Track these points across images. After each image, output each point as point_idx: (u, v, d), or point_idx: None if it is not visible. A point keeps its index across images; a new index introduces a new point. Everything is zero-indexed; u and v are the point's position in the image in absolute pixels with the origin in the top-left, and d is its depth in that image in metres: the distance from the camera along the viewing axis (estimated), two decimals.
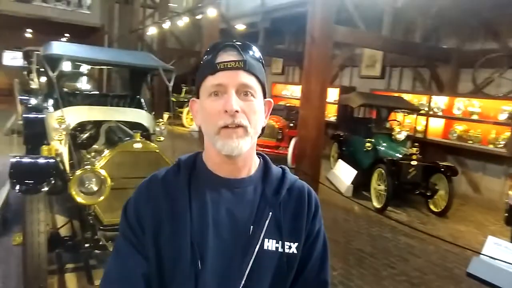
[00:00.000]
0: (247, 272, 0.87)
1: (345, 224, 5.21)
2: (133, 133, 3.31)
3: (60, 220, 3.91)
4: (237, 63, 0.86)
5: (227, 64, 0.86)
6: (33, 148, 4.47)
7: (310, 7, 5.46)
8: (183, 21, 11.80)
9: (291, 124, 8.23)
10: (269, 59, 14.34)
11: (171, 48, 13.69)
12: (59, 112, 3.44)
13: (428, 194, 5.91)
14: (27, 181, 2.57)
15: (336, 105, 9.23)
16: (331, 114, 9.68)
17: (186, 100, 13.82)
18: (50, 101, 4.32)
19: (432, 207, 5.93)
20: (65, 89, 5.03)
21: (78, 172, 2.76)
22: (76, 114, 3.71)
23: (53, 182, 2.70)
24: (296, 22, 9.79)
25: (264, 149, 8.48)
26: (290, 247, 0.92)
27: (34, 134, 4.50)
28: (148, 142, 3.24)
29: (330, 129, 9.03)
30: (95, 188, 2.80)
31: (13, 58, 15.67)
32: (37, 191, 2.62)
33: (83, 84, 8.24)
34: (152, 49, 14.26)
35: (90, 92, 5.71)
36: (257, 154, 0.99)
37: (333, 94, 9.60)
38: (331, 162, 8.11)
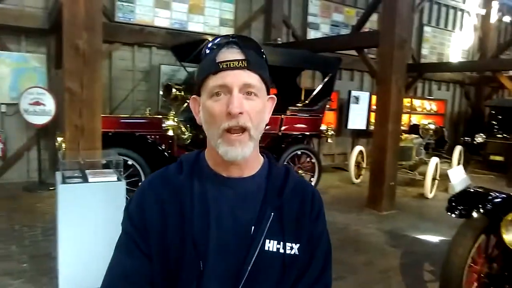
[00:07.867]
0: (247, 272, 0.85)
1: None
2: None
3: None
4: (240, 62, 0.83)
5: (229, 64, 0.82)
6: None
7: None
8: None
9: None
10: None
11: None
12: None
13: None
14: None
15: None
16: None
17: None
18: None
19: None
20: None
21: None
22: None
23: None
24: None
25: None
26: (291, 248, 0.88)
27: None
28: None
29: None
30: None
31: None
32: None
33: None
34: None
35: None
36: (261, 152, 0.95)
37: None
38: None
